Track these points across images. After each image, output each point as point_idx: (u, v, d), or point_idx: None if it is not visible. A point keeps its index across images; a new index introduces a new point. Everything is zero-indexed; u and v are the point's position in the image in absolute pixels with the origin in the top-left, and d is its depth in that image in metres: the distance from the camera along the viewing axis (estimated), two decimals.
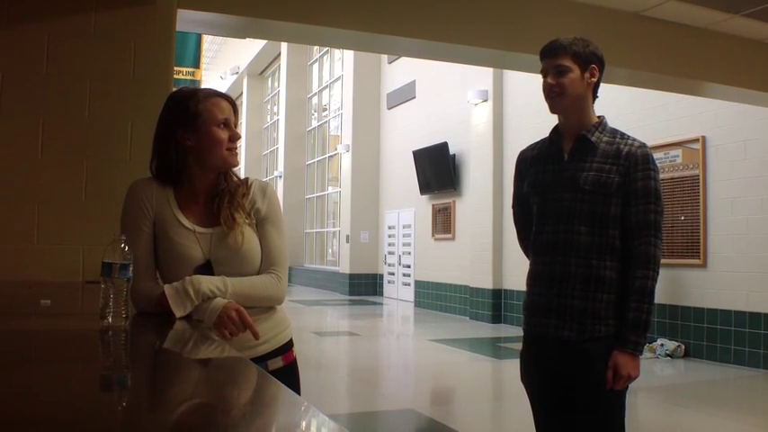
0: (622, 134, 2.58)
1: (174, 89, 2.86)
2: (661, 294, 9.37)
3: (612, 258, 2.50)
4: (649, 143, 8.82)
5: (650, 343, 9.27)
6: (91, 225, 3.93)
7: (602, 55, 2.60)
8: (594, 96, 2.61)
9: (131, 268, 1.84)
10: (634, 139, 2.56)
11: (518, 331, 11.65)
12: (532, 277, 2.68)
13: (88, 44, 4.18)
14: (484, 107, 13.30)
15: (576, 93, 2.52)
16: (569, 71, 2.51)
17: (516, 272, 12.29)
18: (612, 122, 2.68)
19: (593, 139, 2.54)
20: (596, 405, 2.48)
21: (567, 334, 2.50)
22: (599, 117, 2.62)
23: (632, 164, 2.48)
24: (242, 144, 31.86)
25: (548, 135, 2.73)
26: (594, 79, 2.56)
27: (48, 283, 3.61)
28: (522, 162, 2.81)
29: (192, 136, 2.13)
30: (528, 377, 2.71)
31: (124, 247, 1.84)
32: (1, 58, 4.02)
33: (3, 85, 4.00)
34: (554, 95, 2.55)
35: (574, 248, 2.50)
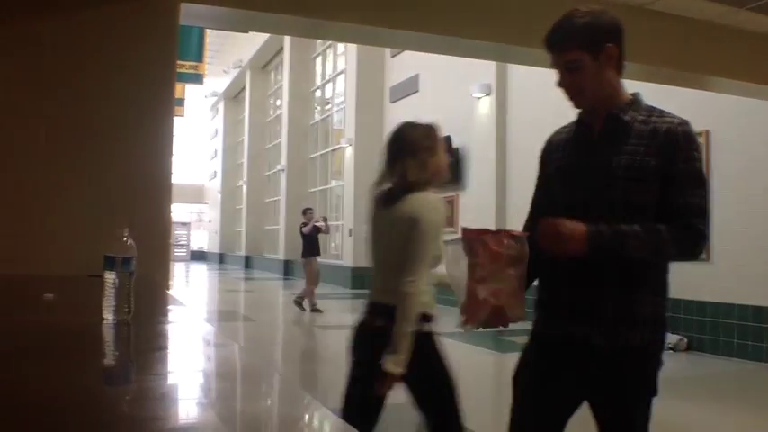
0: (661, 111, 2.23)
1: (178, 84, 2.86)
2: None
3: None
4: None
5: None
6: (93, 219, 3.93)
7: (618, 22, 2.26)
8: (620, 70, 2.27)
9: (134, 261, 1.84)
10: (674, 117, 2.19)
11: (522, 324, 11.62)
12: (553, 273, 2.28)
13: (91, 39, 4.18)
14: (487, 101, 13.28)
15: (595, 84, 2.22)
16: (581, 65, 2.19)
17: None
18: None
19: (627, 118, 2.20)
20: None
21: (596, 340, 2.15)
22: (632, 94, 2.29)
23: (672, 144, 2.12)
24: (245, 138, 31.88)
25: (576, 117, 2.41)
26: (613, 58, 2.22)
27: (50, 277, 3.61)
28: (547, 148, 2.49)
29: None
30: (540, 384, 2.34)
31: (127, 241, 1.84)
32: (5, 54, 4.02)
33: (7, 80, 4.00)
34: (573, 95, 2.27)
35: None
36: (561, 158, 2.36)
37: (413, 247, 2.72)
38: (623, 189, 2.13)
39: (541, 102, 11.60)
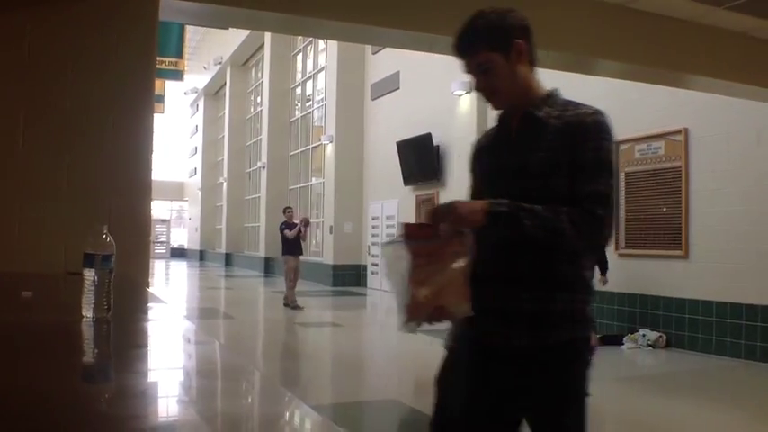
0: (576, 104, 2.19)
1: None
2: (643, 285, 9.45)
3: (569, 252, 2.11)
4: (631, 134, 8.80)
5: (632, 333, 9.34)
6: (73, 216, 3.89)
7: (523, 17, 2.24)
8: (533, 65, 2.25)
9: (113, 259, 1.83)
10: (588, 108, 2.16)
11: None
12: (473, 272, 2.07)
13: (70, 33, 4.14)
14: (467, 98, 13.31)
15: (509, 83, 2.20)
16: (492, 66, 2.18)
17: None
18: None
19: (541, 114, 2.17)
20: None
21: (515, 340, 2.11)
22: (550, 90, 2.27)
23: (582, 133, 2.08)
24: (225, 135, 31.76)
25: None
26: (524, 53, 2.19)
27: (29, 275, 3.58)
28: (474, 154, 2.45)
29: None
30: (467, 389, 2.26)
31: (106, 238, 1.82)
32: None
33: None
34: (489, 96, 2.25)
35: (519, 246, 2.08)
36: (486, 162, 2.35)
37: None
38: (540, 187, 2.09)
39: None
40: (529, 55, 2.22)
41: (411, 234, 2.00)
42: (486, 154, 2.36)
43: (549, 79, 2.33)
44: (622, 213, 9.72)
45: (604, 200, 2.04)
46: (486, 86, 2.23)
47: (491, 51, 2.17)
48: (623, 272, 9.56)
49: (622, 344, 9.25)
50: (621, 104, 9.61)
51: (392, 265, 2.01)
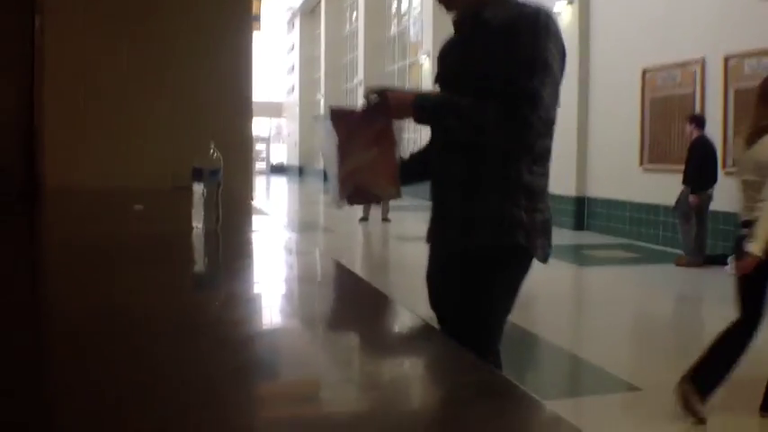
0: (523, 4, 2.04)
1: None
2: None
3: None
4: (740, 49, 8.18)
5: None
6: (177, 134, 4.02)
7: None
8: None
9: (221, 173, 1.89)
10: (532, 7, 2.02)
11: (602, 239, 11.53)
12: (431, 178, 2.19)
13: None
14: (569, 10, 12.83)
15: None
16: None
17: (601, 179, 12.07)
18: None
19: (487, 15, 2.03)
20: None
21: (448, 240, 2.10)
22: None
23: (518, 32, 1.95)
24: (321, 52, 31.75)
25: None
26: None
27: (138, 189, 3.74)
28: (440, 52, 2.31)
29: None
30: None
31: (213, 154, 1.89)
32: None
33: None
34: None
35: (453, 146, 2.04)
36: (441, 67, 2.25)
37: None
38: (481, 88, 1.96)
39: (626, 12, 11.17)
40: None
41: (339, 114, 1.96)
42: (442, 59, 2.25)
43: None
44: (730, 132, 9.31)
45: (532, 97, 1.88)
46: None
47: None
48: (728, 190, 9.22)
49: (726, 264, 9.00)
50: (729, 18, 9.14)
51: (323, 142, 2.00)
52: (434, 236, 2.15)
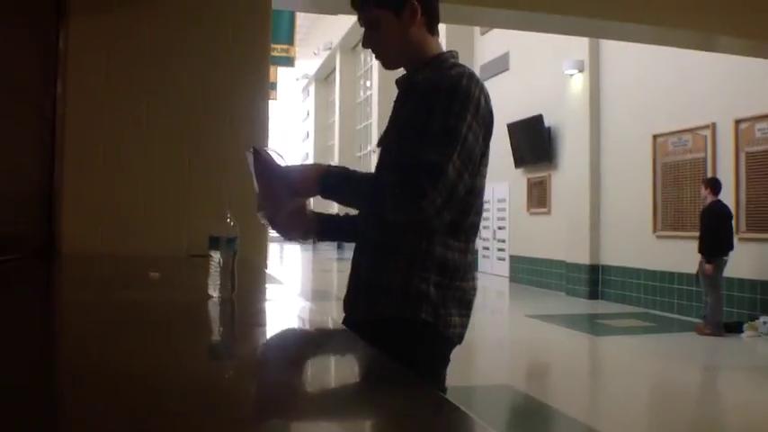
0: (452, 66, 2.02)
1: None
2: (759, 271, 9.03)
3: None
4: (750, 113, 8.33)
5: (752, 320, 8.93)
6: (193, 201, 4.06)
7: None
8: (431, 27, 2.10)
9: (237, 241, 1.90)
10: (457, 70, 1.98)
11: (617, 307, 11.45)
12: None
13: (188, 25, 4.30)
14: (580, 78, 13.00)
15: (399, 44, 2.06)
16: (383, 24, 2.04)
17: (615, 247, 12.05)
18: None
19: (419, 77, 2.03)
20: None
21: (356, 308, 2.05)
22: (440, 53, 2.11)
23: (434, 96, 1.89)
24: (336, 119, 32.18)
25: None
26: (417, 14, 2.03)
27: (155, 257, 3.76)
28: None
29: None
30: None
31: (230, 222, 1.91)
32: (106, 39, 4.18)
33: (108, 66, 4.17)
34: (378, 55, 2.12)
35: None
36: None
37: None
38: (398, 150, 1.97)
39: (637, 77, 11.31)
40: (425, 16, 2.05)
41: (260, 158, 1.95)
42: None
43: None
44: (743, 195, 9.32)
45: (432, 171, 1.78)
46: (373, 44, 2.10)
47: (380, 8, 2.03)
48: (744, 256, 9.15)
49: (742, 332, 8.88)
50: (739, 83, 9.23)
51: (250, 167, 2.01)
52: (348, 302, 2.08)
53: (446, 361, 2.05)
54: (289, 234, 2.11)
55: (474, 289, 2.05)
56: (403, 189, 1.79)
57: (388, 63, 2.12)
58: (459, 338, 2.02)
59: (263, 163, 1.94)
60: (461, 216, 1.94)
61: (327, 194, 1.90)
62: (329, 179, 1.89)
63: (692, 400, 5.93)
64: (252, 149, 1.95)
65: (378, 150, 2.17)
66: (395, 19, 2.02)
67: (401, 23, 2.02)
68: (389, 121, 2.10)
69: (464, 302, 2.00)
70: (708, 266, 8.53)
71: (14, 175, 3.41)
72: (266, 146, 2.07)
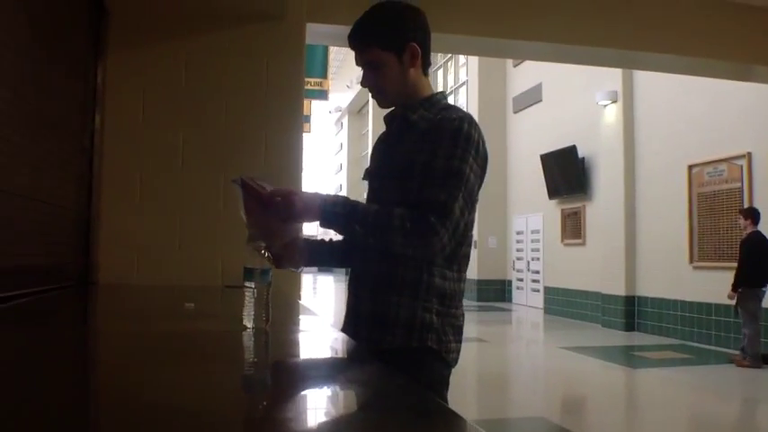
0: (449, 108, 2.13)
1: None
2: None
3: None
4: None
5: None
6: (229, 232, 4.10)
7: (423, 18, 2.14)
8: (426, 68, 2.18)
9: (271, 273, 1.92)
10: (456, 112, 2.08)
11: (653, 339, 11.30)
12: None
13: (223, 59, 4.38)
14: (613, 108, 12.96)
15: (398, 85, 2.12)
16: (382, 65, 2.08)
17: (650, 278, 11.91)
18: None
19: (414, 117, 2.10)
20: None
21: (360, 340, 2.07)
22: (433, 93, 2.19)
23: (438, 138, 1.99)
24: (368, 152, 32.33)
25: None
26: (417, 56, 2.10)
27: (190, 287, 3.79)
28: (374, 146, 2.34)
29: None
30: None
31: (265, 253, 1.93)
32: (143, 74, 4.27)
33: (145, 99, 4.25)
34: (375, 95, 2.17)
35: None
36: (372, 162, 2.29)
37: None
38: (396, 188, 2.03)
39: (670, 107, 11.24)
40: (422, 58, 2.13)
41: (248, 187, 1.97)
42: (373, 154, 2.30)
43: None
44: None
45: (441, 209, 1.90)
46: (373, 85, 2.14)
47: (383, 50, 2.07)
48: None
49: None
50: None
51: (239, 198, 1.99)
52: (347, 332, 2.12)
53: (448, 384, 2.14)
54: (282, 264, 2.13)
55: (463, 315, 2.14)
56: (414, 225, 1.88)
57: (384, 103, 2.19)
58: (455, 362, 2.11)
59: (253, 193, 1.98)
60: (457, 247, 2.04)
61: (327, 224, 1.95)
62: (330, 208, 1.95)
63: None
64: (239, 180, 1.98)
65: (365, 182, 2.26)
66: (396, 61, 2.08)
67: (401, 65, 2.09)
68: (379, 157, 2.21)
69: (457, 328, 2.10)
70: (731, 293, 8.44)
71: (53, 207, 3.48)
72: (252, 175, 2.07)
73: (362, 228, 1.94)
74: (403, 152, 2.07)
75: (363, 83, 2.17)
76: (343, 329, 2.15)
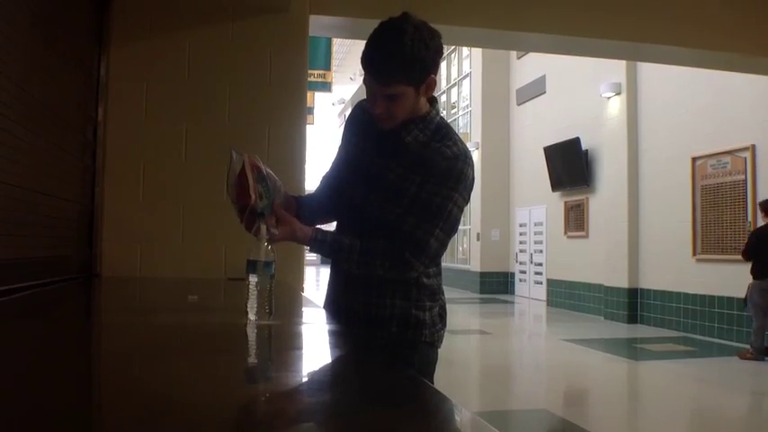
0: (443, 136, 2.12)
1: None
2: None
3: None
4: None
5: None
6: (231, 225, 4.09)
7: (442, 48, 2.08)
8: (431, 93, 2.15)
9: (274, 265, 1.92)
10: (453, 145, 2.09)
11: (656, 332, 11.29)
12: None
13: (227, 52, 4.37)
14: (617, 100, 12.92)
15: (409, 112, 2.11)
16: (402, 97, 2.04)
17: (654, 270, 11.89)
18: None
19: (409, 139, 2.11)
20: None
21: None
22: (427, 112, 2.16)
23: (429, 172, 2.04)
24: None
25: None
26: (432, 87, 2.09)
27: (193, 280, 3.80)
28: (350, 120, 2.34)
29: None
30: None
31: (268, 246, 1.93)
32: (146, 66, 4.27)
33: (148, 91, 4.25)
34: (384, 120, 2.11)
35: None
36: (354, 145, 2.28)
37: None
38: (380, 208, 2.11)
39: (674, 99, 11.21)
40: (433, 86, 2.11)
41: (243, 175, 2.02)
42: (357, 136, 2.29)
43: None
44: None
45: (415, 247, 2.03)
46: (388, 114, 2.08)
47: (408, 85, 2.03)
48: None
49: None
50: None
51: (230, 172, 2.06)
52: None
53: (436, 364, 2.28)
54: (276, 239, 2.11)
55: (445, 302, 2.31)
56: (392, 262, 2.04)
57: (389, 126, 2.13)
58: (440, 343, 2.28)
59: (245, 183, 2.04)
60: (435, 258, 2.18)
61: (317, 248, 2.11)
62: (324, 236, 2.10)
63: (733, 426, 5.80)
64: (246, 155, 2.02)
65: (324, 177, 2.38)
66: (414, 92, 2.06)
67: (417, 95, 2.08)
68: (363, 166, 2.19)
69: (443, 316, 2.27)
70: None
71: (56, 200, 3.48)
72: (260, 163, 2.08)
73: (347, 257, 2.07)
74: (394, 176, 2.10)
75: (375, 110, 2.09)
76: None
